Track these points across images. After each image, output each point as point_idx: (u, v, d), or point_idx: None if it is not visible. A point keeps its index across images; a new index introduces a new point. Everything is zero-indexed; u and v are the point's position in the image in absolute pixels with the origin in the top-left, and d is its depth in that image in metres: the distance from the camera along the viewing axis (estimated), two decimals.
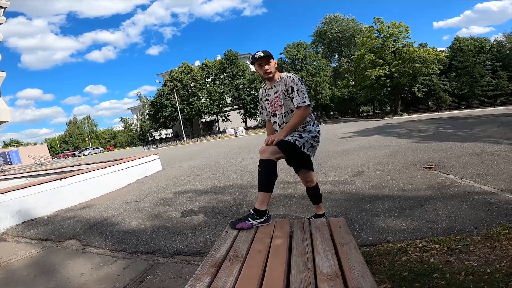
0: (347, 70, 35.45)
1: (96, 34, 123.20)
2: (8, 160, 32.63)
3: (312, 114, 2.14)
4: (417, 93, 29.40)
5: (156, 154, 8.46)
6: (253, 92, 40.59)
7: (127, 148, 49.17)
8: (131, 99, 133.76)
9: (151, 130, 54.88)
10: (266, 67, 2.06)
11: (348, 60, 37.61)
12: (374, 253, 1.89)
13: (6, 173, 18.18)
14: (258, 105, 41.88)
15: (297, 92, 1.96)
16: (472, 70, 31.80)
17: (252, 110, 41.75)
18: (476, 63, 32.11)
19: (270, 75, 2.08)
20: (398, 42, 27.81)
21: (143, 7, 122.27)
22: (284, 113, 2.07)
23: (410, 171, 4.06)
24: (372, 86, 28.95)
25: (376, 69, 26.61)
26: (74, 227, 3.44)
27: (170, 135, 53.66)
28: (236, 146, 14.25)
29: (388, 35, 27.70)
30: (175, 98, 36.40)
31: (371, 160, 5.29)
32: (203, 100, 40.27)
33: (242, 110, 41.50)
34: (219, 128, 43.03)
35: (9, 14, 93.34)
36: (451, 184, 3.22)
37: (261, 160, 1.87)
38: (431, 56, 26.19)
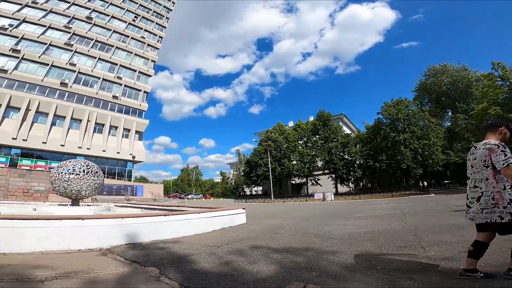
0: (466, 129, 28.63)
1: (213, 91, 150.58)
2: (134, 192, 40.69)
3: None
4: None
5: (243, 208, 8.95)
6: (346, 156, 38.89)
7: (221, 198, 53.60)
8: (232, 154, 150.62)
9: (244, 186, 58.82)
10: None
11: (466, 117, 30.22)
12: None
13: (129, 202, 22.76)
14: (351, 170, 39.36)
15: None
16: None
17: (344, 176, 39.42)
18: None
19: None
20: None
21: (248, 67, 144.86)
22: None
23: None
24: None
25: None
26: (160, 257, 3.89)
27: (260, 192, 55.84)
28: (322, 211, 13.44)
29: None
30: (268, 157, 38.84)
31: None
32: (294, 162, 41.17)
33: (334, 175, 39.80)
34: (307, 191, 42.09)
35: (158, 68, 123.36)
36: None
37: None
38: None
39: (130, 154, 42.27)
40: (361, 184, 43.55)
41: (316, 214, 11.52)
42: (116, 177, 41.81)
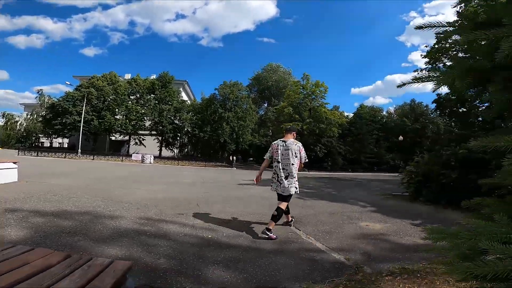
0: (269, 119, 36.73)
1: (36, 19, 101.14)
2: None
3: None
4: (318, 152, 30.11)
5: (15, 163, 6.97)
6: (176, 121, 39.12)
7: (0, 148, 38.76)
8: (33, 94, 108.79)
9: (41, 135, 45.44)
10: None
11: (274, 111, 38.39)
12: None
13: None
14: (178, 136, 40.36)
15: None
16: (363, 138, 36.04)
17: (170, 140, 39.71)
18: (367, 131, 35.87)
19: None
20: (315, 101, 30.10)
21: (106, 7, 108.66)
22: None
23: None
24: None
25: (291, 124, 28.92)
26: None
27: (65, 146, 45.43)
28: (134, 173, 12.90)
29: (310, 93, 29.94)
30: (83, 106, 31.94)
31: (245, 210, 5.22)
32: (118, 117, 36.50)
33: (160, 138, 39.16)
34: (129, 150, 38.95)
35: None
36: (295, 240, 3.42)
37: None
38: (335, 119, 29.17)
39: None
40: (186, 150, 45.77)
41: (123, 176, 10.90)
42: None
